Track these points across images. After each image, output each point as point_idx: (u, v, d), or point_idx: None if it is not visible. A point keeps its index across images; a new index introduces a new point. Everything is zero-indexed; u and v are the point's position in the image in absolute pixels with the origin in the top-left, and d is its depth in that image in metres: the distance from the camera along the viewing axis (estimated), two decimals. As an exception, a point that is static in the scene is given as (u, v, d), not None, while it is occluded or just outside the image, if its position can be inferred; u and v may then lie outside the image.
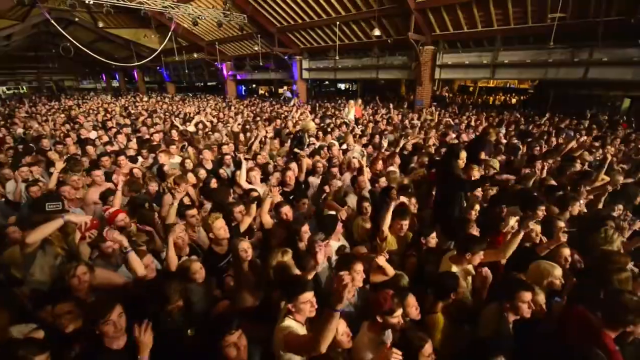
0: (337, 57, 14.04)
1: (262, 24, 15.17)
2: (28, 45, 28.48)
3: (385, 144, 6.01)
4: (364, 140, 6.83)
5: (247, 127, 8.27)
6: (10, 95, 30.39)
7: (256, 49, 16.06)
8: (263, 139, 6.60)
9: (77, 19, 18.65)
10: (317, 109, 13.34)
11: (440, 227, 3.29)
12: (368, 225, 3.09)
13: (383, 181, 4.32)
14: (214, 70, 21.92)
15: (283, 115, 10.49)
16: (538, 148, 5.53)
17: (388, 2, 11.14)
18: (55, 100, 19.26)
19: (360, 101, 10.89)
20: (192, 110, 12.60)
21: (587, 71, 9.38)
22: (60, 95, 24.89)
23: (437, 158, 4.75)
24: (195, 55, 20.80)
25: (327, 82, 24.77)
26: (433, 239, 2.85)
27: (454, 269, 2.40)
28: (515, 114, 11.24)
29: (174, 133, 7.11)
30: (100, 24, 18.16)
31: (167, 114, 11.28)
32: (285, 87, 20.11)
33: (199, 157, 5.40)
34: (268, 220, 3.22)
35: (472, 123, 8.75)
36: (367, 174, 4.37)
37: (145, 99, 20.28)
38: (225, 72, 21.03)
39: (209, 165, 5.05)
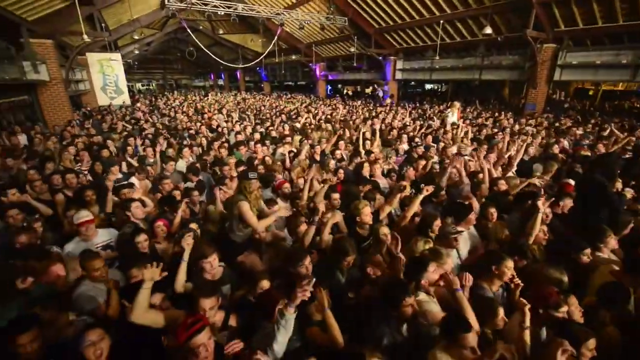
0: (436, 57, 13.55)
1: (360, 26, 15.55)
2: (159, 50, 34.42)
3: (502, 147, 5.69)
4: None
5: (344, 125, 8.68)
6: (145, 90, 37.13)
7: (352, 50, 16.52)
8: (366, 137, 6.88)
9: (201, 27, 21.90)
10: (410, 109, 13.13)
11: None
12: (506, 231, 3.06)
13: (502, 184, 4.18)
14: (308, 71, 23.28)
15: (381, 116, 10.63)
16: None
17: (505, -3, 10.33)
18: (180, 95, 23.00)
19: (459, 104, 10.36)
20: (292, 108, 13.69)
21: None
22: (182, 91, 29.45)
23: (577, 169, 4.34)
24: (293, 57, 22.36)
25: (413, 83, 24.11)
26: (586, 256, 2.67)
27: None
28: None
29: (287, 127, 7.93)
30: (221, 31, 20.82)
31: (274, 110, 12.48)
32: (374, 86, 20.17)
33: (311, 151, 5.95)
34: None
35: (605, 133, 7.57)
36: (487, 178, 4.27)
37: (248, 95, 22.77)
38: (318, 72, 22.14)
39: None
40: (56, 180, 4.34)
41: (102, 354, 1.77)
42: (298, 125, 8.84)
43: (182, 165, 5.12)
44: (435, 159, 5.42)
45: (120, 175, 4.94)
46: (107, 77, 15.21)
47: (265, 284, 2.38)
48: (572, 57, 10.64)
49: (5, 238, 3.05)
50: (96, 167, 5.09)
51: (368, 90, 27.54)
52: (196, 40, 15.17)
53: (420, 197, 3.16)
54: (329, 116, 10.74)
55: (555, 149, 6.09)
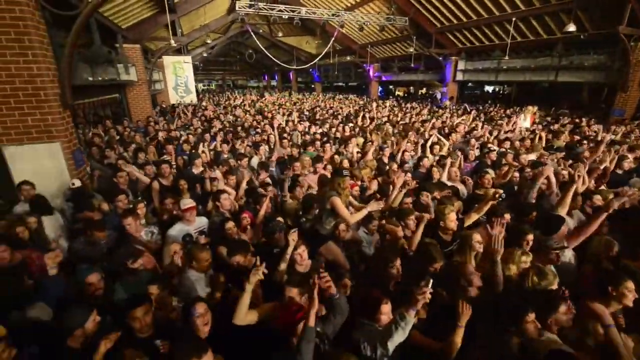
0: (506, 57, 12.67)
1: (421, 25, 15.10)
2: (220, 52, 36.75)
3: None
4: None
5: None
6: (205, 90, 39.94)
7: (411, 50, 16.12)
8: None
9: (260, 31, 22.97)
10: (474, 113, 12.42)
11: None
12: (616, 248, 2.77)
13: (598, 199, 3.78)
14: (361, 72, 23.20)
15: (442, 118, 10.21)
16: None
17: (593, -9, 9.33)
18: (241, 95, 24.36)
19: (536, 108, 9.54)
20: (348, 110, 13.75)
21: None
22: (241, 92, 31.20)
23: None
24: (348, 58, 22.45)
25: (470, 84, 22.78)
26: None
27: None
28: None
29: (347, 128, 7.99)
30: (280, 34, 21.62)
31: (329, 111, 12.65)
32: (429, 89, 19.48)
33: (380, 153, 5.93)
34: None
35: None
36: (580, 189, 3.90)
37: (300, 96, 23.34)
38: (371, 73, 21.96)
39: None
40: (149, 170, 4.89)
41: (208, 323, 1.98)
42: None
43: (255, 161, 5.43)
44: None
45: (202, 168, 5.40)
46: (179, 78, 16.64)
47: (348, 282, 2.48)
48: (676, 56, 9.27)
49: (116, 220, 3.51)
50: (179, 160, 5.61)
51: (422, 91, 26.79)
52: (257, 42, 15.96)
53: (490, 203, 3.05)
54: (385, 118, 10.62)
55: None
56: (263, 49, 15.94)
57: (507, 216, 3.17)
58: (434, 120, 9.48)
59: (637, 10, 8.86)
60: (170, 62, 15.90)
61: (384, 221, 3.26)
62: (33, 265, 2.76)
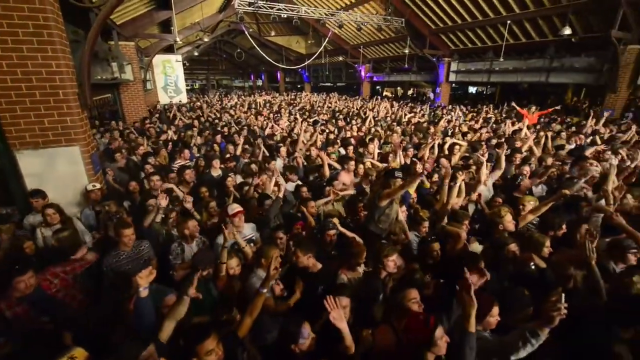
0: (500, 59, 13.00)
1: (416, 27, 15.27)
2: (205, 51, 35.87)
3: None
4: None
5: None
6: (189, 89, 38.78)
7: (405, 51, 16.26)
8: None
9: (250, 30, 22.52)
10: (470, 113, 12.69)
11: None
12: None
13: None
14: (352, 72, 23.23)
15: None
16: None
17: (585, -5, 9.72)
18: (226, 95, 23.76)
19: (534, 108, 9.84)
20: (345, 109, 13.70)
21: None
22: (227, 92, 30.48)
23: None
24: (340, 59, 22.41)
25: (454, 85, 23.34)
26: None
27: None
28: None
29: (354, 128, 7.94)
30: (273, 33, 21.23)
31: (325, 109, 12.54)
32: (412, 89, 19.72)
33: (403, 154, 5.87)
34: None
35: None
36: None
37: (287, 96, 23.10)
38: (363, 73, 22.03)
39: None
40: (172, 177, 4.60)
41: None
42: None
43: (279, 164, 5.24)
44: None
45: (220, 172, 5.16)
46: (169, 77, 15.99)
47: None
48: (662, 59, 9.80)
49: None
50: (200, 161, 5.34)
51: (410, 92, 27.15)
52: (251, 41, 15.61)
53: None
54: (390, 117, 10.63)
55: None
56: (257, 47, 15.61)
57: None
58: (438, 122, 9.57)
59: (629, 15, 9.30)
60: (160, 61, 15.23)
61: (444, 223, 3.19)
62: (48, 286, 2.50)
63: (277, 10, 11.30)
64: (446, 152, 5.96)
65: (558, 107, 11.55)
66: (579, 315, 1.85)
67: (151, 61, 12.01)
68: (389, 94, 30.01)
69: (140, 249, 2.96)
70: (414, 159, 5.24)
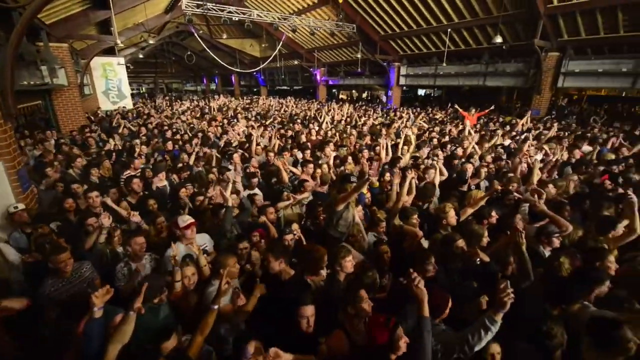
0: (444, 64, 14.00)
1: (366, 32, 15.85)
2: (152, 53, 33.83)
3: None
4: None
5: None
6: (136, 94, 36.27)
7: (357, 56, 16.80)
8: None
9: (201, 32, 21.70)
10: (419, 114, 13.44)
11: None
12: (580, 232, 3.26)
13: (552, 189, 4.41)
14: (308, 76, 23.43)
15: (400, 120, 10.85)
16: None
17: (513, 8, 10.83)
18: (177, 100, 22.59)
19: (474, 110, 10.73)
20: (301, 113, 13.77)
21: None
22: (179, 96, 28.93)
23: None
24: (295, 62, 22.48)
25: (405, 88, 24.69)
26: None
27: None
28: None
29: (313, 132, 8.02)
30: (225, 35, 20.61)
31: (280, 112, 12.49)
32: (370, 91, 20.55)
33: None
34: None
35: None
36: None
37: (242, 100, 22.65)
38: (319, 77, 22.33)
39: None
40: (112, 192, 4.28)
41: None
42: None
43: (232, 173, 5.10)
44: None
45: (165, 182, 4.91)
46: (110, 81, 14.84)
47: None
48: (575, 65, 11.24)
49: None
50: (147, 172, 5.02)
51: (364, 95, 28.11)
52: (202, 43, 15.06)
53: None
54: (343, 120, 10.91)
55: (577, 153, 6.42)
56: (208, 50, 15.10)
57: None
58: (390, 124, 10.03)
59: (547, 26, 10.57)
60: (99, 64, 14.07)
61: (397, 222, 3.35)
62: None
63: (228, 13, 11.04)
64: (399, 151, 6.25)
65: (492, 108, 12.66)
66: (519, 297, 2.07)
67: (89, 64, 10.99)
68: (344, 97, 30.81)
69: (82, 271, 2.71)
70: (364, 161, 5.48)
